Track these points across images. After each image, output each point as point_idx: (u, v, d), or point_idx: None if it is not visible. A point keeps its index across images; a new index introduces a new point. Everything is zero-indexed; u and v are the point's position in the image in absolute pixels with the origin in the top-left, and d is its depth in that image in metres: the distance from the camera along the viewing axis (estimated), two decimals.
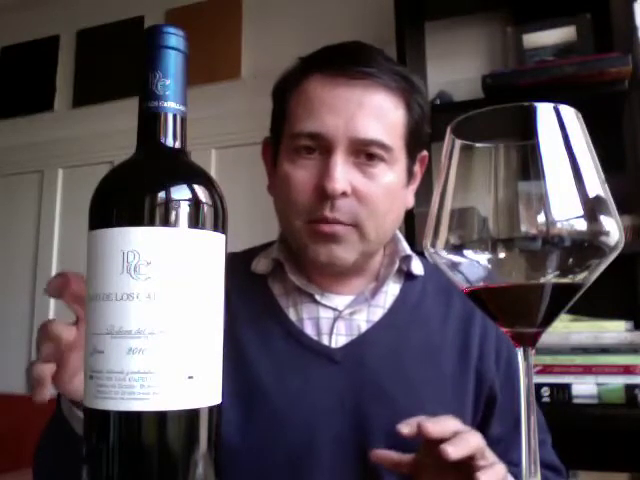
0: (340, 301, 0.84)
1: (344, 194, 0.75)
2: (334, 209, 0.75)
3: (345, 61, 0.78)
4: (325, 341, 0.82)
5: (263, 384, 0.79)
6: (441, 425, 0.63)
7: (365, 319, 0.83)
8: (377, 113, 0.77)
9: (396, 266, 0.85)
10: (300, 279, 0.84)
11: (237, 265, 0.87)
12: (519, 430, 0.39)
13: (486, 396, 0.83)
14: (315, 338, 0.82)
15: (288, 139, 0.80)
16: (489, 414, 0.84)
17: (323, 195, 0.75)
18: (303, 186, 0.77)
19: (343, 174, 0.75)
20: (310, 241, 0.78)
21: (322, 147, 0.77)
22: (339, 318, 0.83)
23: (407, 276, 0.88)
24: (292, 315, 0.83)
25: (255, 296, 0.85)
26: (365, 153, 0.77)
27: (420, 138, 0.84)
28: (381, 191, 0.77)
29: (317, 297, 0.83)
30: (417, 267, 0.88)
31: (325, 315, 0.83)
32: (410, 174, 0.84)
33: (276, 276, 0.86)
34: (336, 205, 0.75)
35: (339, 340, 0.82)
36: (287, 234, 0.84)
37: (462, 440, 0.63)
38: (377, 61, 0.79)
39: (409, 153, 0.82)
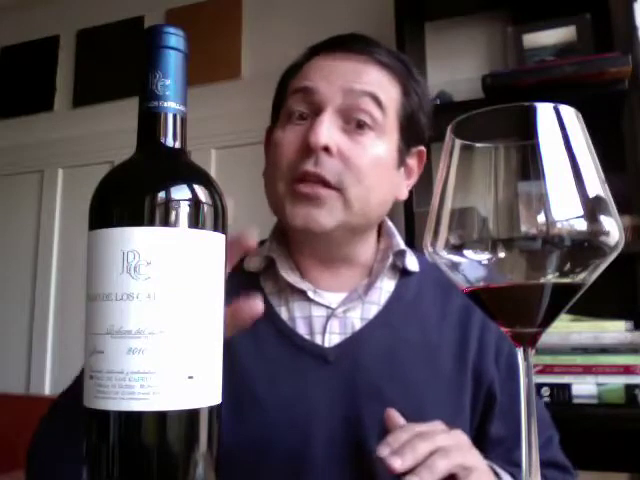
0: (333, 298, 0.82)
1: (327, 150, 0.74)
2: (317, 164, 0.74)
3: (345, 40, 0.81)
4: (318, 340, 0.79)
5: (253, 387, 0.76)
6: (413, 454, 0.59)
7: (359, 317, 0.81)
8: (373, 83, 0.78)
9: (389, 261, 0.83)
10: (292, 275, 0.82)
11: None
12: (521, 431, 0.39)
13: (485, 395, 0.81)
14: (307, 337, 0.79)
15: (284, 107, 0.81)
16: (489, 413, 0.81)
17: (307, 151, 0.74)
18: (289, 146, 0.77)
19: (328, 130, 0.74)
20: (289, 203, 0.76)
21: (313, 110, 0.77)
22: (332, 316, 0.80)
23: (403, 272, 0.86)
24: (284, 314, 0.81)
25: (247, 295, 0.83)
26: (355, 121, 0.76)
27: (416, 129, 0.83)
28: (368, 159, 0.76)
29: (310, 294, 0.81)
30: (412, 263, 0.85)
31: (318, 313, 0.81)
32: (402, 157, 0.82)
33: (268, 274, 0.84)
34: (320, 161, 0.74)
35: (332, 339, 0.79)
36: (271, 206, 0.82)
37: (410, 449, 0.59)
38: (377, 44, 0.81)
39: (402, 136, 0.81)
